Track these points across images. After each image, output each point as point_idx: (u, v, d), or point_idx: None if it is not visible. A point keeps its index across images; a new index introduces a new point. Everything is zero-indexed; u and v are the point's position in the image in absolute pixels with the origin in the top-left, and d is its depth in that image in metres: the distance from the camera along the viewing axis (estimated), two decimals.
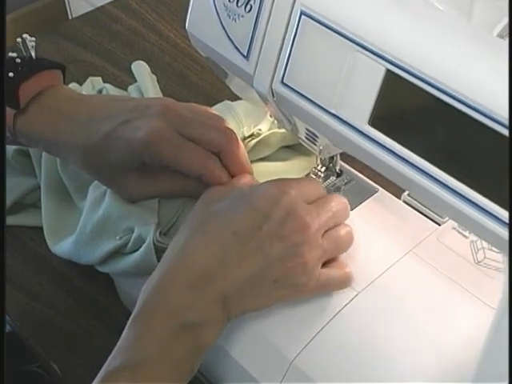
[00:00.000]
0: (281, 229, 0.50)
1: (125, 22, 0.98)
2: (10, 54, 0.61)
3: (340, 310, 0.53)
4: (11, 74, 0.59)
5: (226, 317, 0.50)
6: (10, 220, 0.71)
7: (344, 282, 0.54)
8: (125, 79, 0.87)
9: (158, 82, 0.82)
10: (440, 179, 0.41)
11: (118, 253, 0.60)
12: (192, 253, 0.50)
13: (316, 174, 0.62)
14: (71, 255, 0.63)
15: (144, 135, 0.56)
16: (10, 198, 0.70)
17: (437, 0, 0.45)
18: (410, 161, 0.42)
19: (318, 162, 0.61)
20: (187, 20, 0.52)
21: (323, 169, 0.61)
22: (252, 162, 0.62)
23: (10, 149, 0.72)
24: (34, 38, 0.62)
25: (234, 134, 0.59)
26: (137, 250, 0.58)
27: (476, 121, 0.39)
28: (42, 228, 0.68)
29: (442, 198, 0.42)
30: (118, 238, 0.59)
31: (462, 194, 0.40)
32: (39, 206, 0.70)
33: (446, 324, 0.53)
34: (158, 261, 0.56)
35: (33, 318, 0.65)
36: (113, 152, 0.58)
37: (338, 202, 0.54)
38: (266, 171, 0.63)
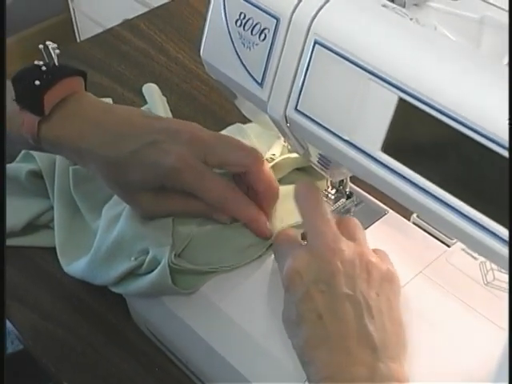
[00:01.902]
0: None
1: (133, 44, 0.99)
2: (36, 62, 0.62)
3: None
4: (37, 82, 0.60)
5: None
6: (23, 241, 0.72)
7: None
8: (134, 100, 0.88)
9: (167, 103, 0.84)
10: (452, 204, 0.42)
11: (132, 274, 0.61)
12: None
13: (326, 196, 0.63)
14: (85, 276, 0.64)
15: (171, 162, 0.57)
16: (22, 219, 0.71)
17: (447, 29, 0.46)
18: (422, 186, 0.43)
19: (329, 184, 0.62)
20: (202, 47, 0.53)
21: (333, 191, 0.63)
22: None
23: (23, 170, 0.73)
24: (56, 45, 0.64)
25: (259, 153, 0.60)
26: (151, 271, 0.59)
27: (485, 147, 0.40)
28: (53, 248, 0.69)
29: (457, 224, 0.42)
30: (132, 259, 0.60)
31: (476, 220, 0.41)
32: (52, 226, 0.71)
33: (456, 345, 0.54)
34: (173, 282, 0.58)
35: (45, 338, 0.66)
36: (136, 171, 0.59)
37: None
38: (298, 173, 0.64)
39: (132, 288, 0.61)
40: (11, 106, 0.60)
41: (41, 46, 0.63)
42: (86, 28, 1.95)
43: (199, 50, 0.98)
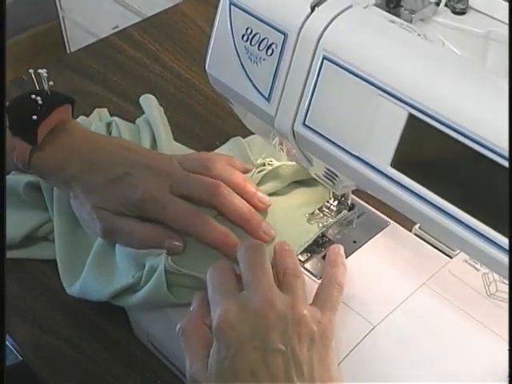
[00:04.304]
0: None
1: (128, 53, 0.99)
2: (33, 97, 0.64)
3: (358, 344, 0.54)
4: (35, 117, 0.63)
5: None
6: (22, 253, 0.71)
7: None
8: (130, 110, 0.88)
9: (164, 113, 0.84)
10: (462, 220, 0.43)
11: (129, 290, 0.61)
12: None
13: (328, 208, 0.63)
14: (82, 293, 0.64)
15: (138, 195, 0.62)
16: (21, 232, 0.70)
17: (454, 44, 0.47)
18: (432, 201, 0.44)
19: (331, 195, 0.63)
20: (207, 61, 0.53)
21: (335, 203, 0.63)
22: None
23: (21, 182, 0.73)
24: (45, 70, 0.65)
25: (219, 186, 0.62)
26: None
27: (493, 161, 0.41)
28: (53, 261, 0.68)
29: (465, 238, 0.43)
30: (130, 276, 0.60)
31: (485, 234, 0.42)
32: (51, 239, 0.71)
33: (459, 356, 0.54)
34: (169, 290, 0.58)
35: (46, 352, 0.65)
36: (109, 200, 0.63)
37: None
38: (278, 207, 0.64)
39: (130, 300, 0.61)
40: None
41: (31, 71, 0.65)
42: (76, 35, 1.94)
43: (195, 60, 0.98)
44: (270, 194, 0.66)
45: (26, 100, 0.64)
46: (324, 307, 0.55)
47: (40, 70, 0.65)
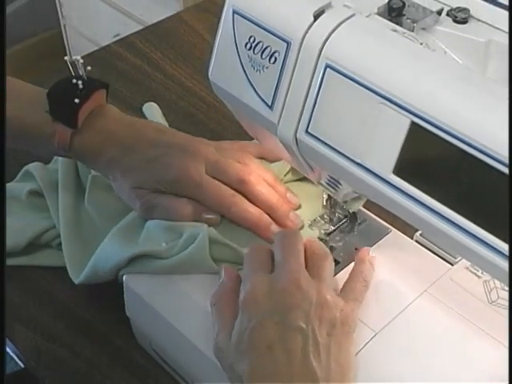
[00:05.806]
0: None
1: (129, 61, 0.99)
2: (74, 81, 0.66)
3: (360, 350, 0.54)
4: (77, 101, 0.64)
5: None
6: (24, 260, 0.71)
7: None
8: None
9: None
10: (464, 226, 0.43)
11: (152, 257, 0.61)
12: None
13: (330, 215, 0.63)
14: (95, 265, 0.63)
15: (173, 174, 0.64)
16: (24, 239, 0.71)
17: (455, 53, 0.47)
18: (434, 208, 0.44)
19: (333, 202, 0.63)
20: (210, 69, 0.54)
21: (337, 210, 0.63)
22: (290, 182, 0.68)
23: (23, 189, 0.73)
24: (80, 56, 0.67)
25: (249, 174, 0.64)
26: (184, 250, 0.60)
27: (495, 169, 0.41)
28: (56, 268, 0.69)
29: (466, 244, 0.43)
30: (164, 243, 0.61)
31: (487, 241, 0.42)
32: (53, 246, 0.71)
33: (461, 363, 0.54)
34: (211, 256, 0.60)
35: (48, 359, 0.65)
36: (146, 179, 0.65)
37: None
38: (303, 192, 0.66)
39: (156, 264, 0.60)
40: (37, 115, 0.66)
41: (66, 58, 0.66)
42: (77, 43, 1.95)
43: (197, 68, 0.98)
44: (297, 180, 0.68)
45: (66, 85, 0.66)
46: (347, 298, 0.56)
47: (75, 57, 0.66)
